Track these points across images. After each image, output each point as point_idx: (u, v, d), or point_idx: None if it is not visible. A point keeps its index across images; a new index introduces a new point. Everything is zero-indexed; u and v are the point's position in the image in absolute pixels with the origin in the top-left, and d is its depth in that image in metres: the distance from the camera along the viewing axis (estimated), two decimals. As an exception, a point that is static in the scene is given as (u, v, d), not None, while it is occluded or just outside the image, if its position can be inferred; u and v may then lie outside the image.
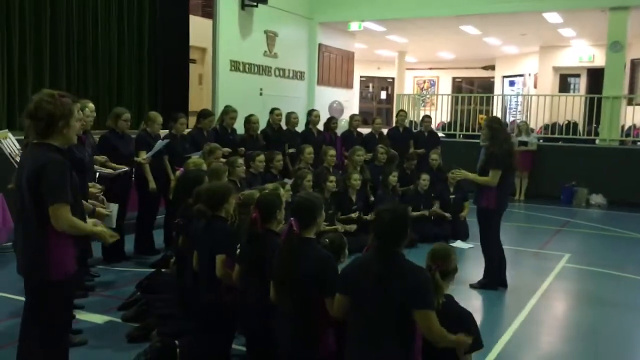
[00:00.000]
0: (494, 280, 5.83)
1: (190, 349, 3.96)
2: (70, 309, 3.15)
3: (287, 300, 3.26)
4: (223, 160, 6.23)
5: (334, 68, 15.28)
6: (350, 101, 15.86)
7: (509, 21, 13.71)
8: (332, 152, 7.80)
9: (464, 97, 18.24)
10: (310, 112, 8.94)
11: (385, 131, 9.89)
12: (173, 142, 6.84)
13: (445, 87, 22.95)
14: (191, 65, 13.58)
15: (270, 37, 13.00)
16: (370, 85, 23.48)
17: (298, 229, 3.22)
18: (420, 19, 13.75)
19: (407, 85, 21.77)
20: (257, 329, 3.69)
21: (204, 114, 7.40)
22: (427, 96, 21.82)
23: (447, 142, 12.75)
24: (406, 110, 13.61)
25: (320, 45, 14.56)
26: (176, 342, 4.03)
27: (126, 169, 6.02)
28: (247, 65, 12.34)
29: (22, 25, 8.37)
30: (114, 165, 6.00)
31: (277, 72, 13.28)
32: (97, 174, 6.01)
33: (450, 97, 17.38)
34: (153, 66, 10.82)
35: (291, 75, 13.80)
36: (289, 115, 8.73)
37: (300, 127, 9.11)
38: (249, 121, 7.99)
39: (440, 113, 16.03)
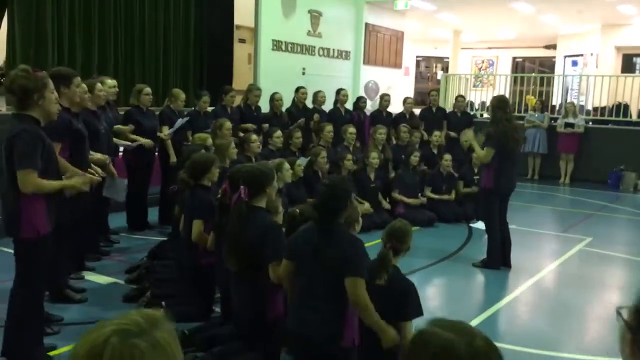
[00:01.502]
0: (496, 259, 5.82)
1: (173, 311, 4.25)
2: (45, 267, 3.48)
3: (237, 264, 3.47)
4: (233, 137, 6.47)
5: (382, 47, 15.21)
6: (398, 81, 15.75)
7: (562, -2, 13.20)
8: (352, 130, 7.89)
9: (522, 77, 17.78)
10: (338, 91, 9.02)
11: (417, 111, 9.85)
12: (196, 118, 7.15)
13: (504, 67, 22.29)
14: (241, 45, 13.99)
15: (315, 17, 13.10)
16: (424, 64, 23.15)
17: (247, 197, 3.41)
18: (468, -3, 13.47)
19: (464, 65, 21.34)
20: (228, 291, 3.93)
21: (226, 91, 7.66)
22: (484, 76, 21.34)
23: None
24: (460, 92, 13.55)
25: (367, 24, 14.51)
26: (163, 303, 4.34)
27: (143, 141, 6.35)
28: (289, 45, 12.51)
29: (72, 10, 8.89)
30: (135, 137, 6.37)
31: (321, 52, 13.38)
32: (121, 146, 6.45)
33: (507, 77, 16.94)
34: (199, 45, 11.25)
35: (336, 54, 13.87)
36: (316, 93, 8.86)
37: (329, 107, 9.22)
38: (273, 99, 8.20)
39: (498, 94, 15.63)
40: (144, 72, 10.28)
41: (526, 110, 13.10)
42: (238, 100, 8.30)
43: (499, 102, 5.79)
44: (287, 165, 5.81)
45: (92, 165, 4.66)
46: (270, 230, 3.42)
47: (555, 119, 12.20)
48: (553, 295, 5.46)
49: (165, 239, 5.98)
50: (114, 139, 6.12)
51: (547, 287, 5.60)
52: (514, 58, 22.54)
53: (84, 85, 5.01)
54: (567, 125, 11.62)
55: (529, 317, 4.82)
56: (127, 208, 6.80)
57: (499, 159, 5.64)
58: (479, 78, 21.48)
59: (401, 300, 3.23)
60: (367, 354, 3.22)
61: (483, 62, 22.84)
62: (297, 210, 3.97)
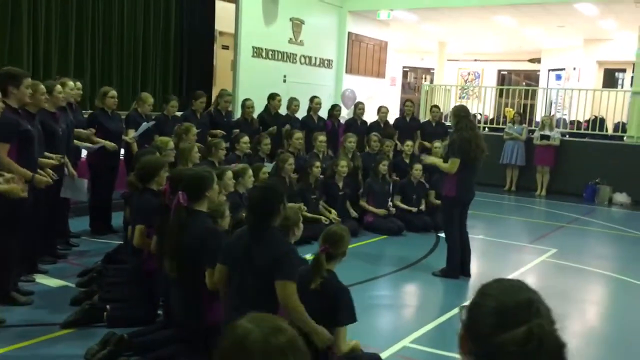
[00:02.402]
0: (455, 268, 5.81)
1: (117, 314, 4.21)
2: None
3: (176, 269, 3.45)
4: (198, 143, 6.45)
5: (365, 57, 15.27)
6: (380, 90, 15.79)
7: (542, 12, 13.30)
8: (322, 137, 7.90)
9: (507, 90, 17.88)
10: (311, 99, 9.02)
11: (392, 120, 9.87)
12: (164, 123, 7.13)
13: (490, 79, 22.42)
14: (224, 52, 13.99)
15: (296, 25, 13.14)
16: (412, 75, 23.25)
17: (185, 202, 3.39)
18: (450, 9, 13.53)
19: (450, 77, 21.45)
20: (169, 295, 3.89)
21: (196, 96, 7.65)
22: (469, 88, 21.45)
23: (491, 137, 12.56)
24: (444, 103, 13.62)
25: (350, 33, 14.58)
26: (107, 307, 4.30)
27: (105, 143, 6.31)
28: (270, 52, 12.55)
29: (48, 13, 8.83)
30: (97, 140, 6.33)
31: (302, 60, 13.42)
32: (83, 149, 6.42)
33: (492, 89, 17.03)
34: (179, 51, 11.23)
35: (318, 63, 13.91)
36: (290, 101, 8.86)
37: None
38: (244, 105, 8.20)
39: (484, 106, 15.67)
40: (121, 76, 10.25)
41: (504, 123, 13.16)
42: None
43: (461, 111, 5.80)
44: (250, 172, 5.81)
45: (42, 167, 4.59)
46: (209, 235, 3.40)
47: (534, 132, 12.26)
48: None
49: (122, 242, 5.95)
50: (75, 141, 6.09)
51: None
52: (500, 71, 22.67)
53: (42, 87, 5.00)
54: (543, 137, 11.68)
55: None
56: (91, 211, 6.76)
57: (460, 168, 5.64)
58: (465, 90, 21.62)
59: (334, 305, 3.22)
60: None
61: (469, 74, 22.96)
62: (244, 215, 3.95)
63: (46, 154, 4.94)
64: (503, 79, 22.82)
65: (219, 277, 3.23)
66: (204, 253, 3.30)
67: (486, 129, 13.79)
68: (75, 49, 9.33)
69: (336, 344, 3.11)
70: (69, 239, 6.23)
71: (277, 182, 3.62)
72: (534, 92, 15.85)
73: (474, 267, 6.04)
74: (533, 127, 12.71)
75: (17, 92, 4.28)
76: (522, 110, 13.77)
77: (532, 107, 14.89)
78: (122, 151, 6.91)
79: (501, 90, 17.87)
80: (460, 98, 21.13)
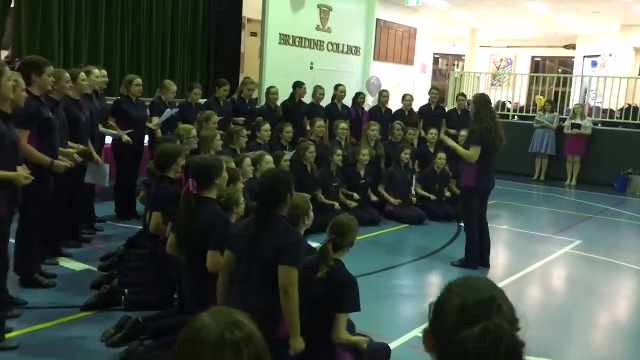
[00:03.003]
0: (474, 259, 5.77)
1: (134, 299, 4.31)
2: (1, 249, 3.56)
3: (186, 255, 3.51)
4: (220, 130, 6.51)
5: (393, 44, 15.14)
6: (409, 78, 15.66)
7: (577, -3, 12.96)
8: (344, 125, 7.88)
9: (539, 77, 17.53)
10: (336, 87, 9.00)
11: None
12: (187, 110, 7.21)
13: (524, 66, 21.98)
14: (251, 39, 14.04)
15: (324, 12, 13.08)
16: (443, 62, 22.94)
17: (195, 189, 3.44)
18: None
19: (482, 64, 21.09)
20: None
21: (219, 84, 7.71)
22: (501, 75, 21.05)
23: (521, 126, 12.41)
24: (475, 91, 13.38)
25: (378, 20, 14.46)
26: (126, 291, 4.41)
27: (130, 131, 6.43)
28: (297, 39, 12.52)
29: (79, 4, 8.99)
30: (116, 128, 6.46)
31: (330, 47, 13.37)
32: (108, 136, 6.56)
33: (524, 76, 16.70)
34: (206, 39, 11.35)
35: (345, 50, 13.83)
36: (315, 89, 8.85)
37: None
38: (269, 92, 8.24)
39: (514, 93, 15.37)
40: (150, 64, 10.40)
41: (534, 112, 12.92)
42: (256, 94, 8.37)
43: (482, 100, 5.73)
44: (268, 158, 5.82)
45: (61, 157, 4.67)
46: (217, 221, 3.45)
47: (565, 120, 12.00)
48: (523, 297, 5.39)
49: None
50: (101, 128, 6.22)
51: (520, 289, 5.52)
52: (533, 57, 22.20)
53: (66, 75, 5.12)
54: (574, 126, 11.43)
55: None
56: (116, 197, 6.91)
57: (479, 157, 5.58)
58: (498, 77, 21.23)
59: (339, 293, 3.23)
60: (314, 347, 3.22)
61: (502, 60, 22.55)
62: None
63: (70, 143, 5.05)
64: (537, 65, 22.36)
65: (226, 263, 3.28)
66: (211, 237, 3.36)
67: (516, 117, 13.55)
68: (105, 38, 9.51)
69: (335, 330, 3.13)
70: (94, 224, 6.38)
71: (286, 172, 3.64)
72: (568, 80, 15.50)
73: (494, 258, 6.00)
74: (564, 116, 12.45)
75: (40, 80, 4.39)
76: (556, 98, 13.49)
77: (564, 94, 14.56)
78: (147, 138, 7.03)
79: (533, 78, 17.54)
80: (492, 85, 20.80)
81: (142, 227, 6.31)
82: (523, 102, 15.32)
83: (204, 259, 3.40)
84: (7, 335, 3.73)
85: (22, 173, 3.55)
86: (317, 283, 3.24)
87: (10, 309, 4.03)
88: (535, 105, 13.64)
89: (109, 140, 6.72)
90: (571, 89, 15.17)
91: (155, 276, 4.35)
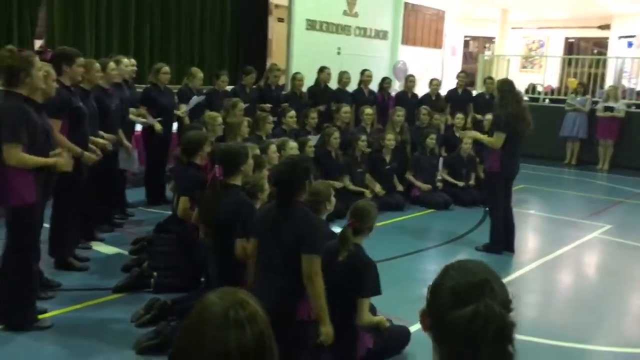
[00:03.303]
0: (498, 244, 5.76)
1: (162, 281, 4.46)
2: (33, 233, 3.72)
3: (211, 239, 3.62)
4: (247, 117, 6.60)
5: (421, 27, 15.01)
6: (437, 61, 15.50)
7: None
8: (369, 110, 7.90)
9: (571, 59, 17.16)
10: (362, 72, 9.00)
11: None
12: (214, 97, 7.33)
13: (557, 47, 21.51)
14: (279, 24, 14.07)
15: (351, -4, 13.03)
16: (474, 44, 22.61)
17: (220, 175, 3.54)
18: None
19: (514, 46, 20.72)
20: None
21: (245, 71, 7.79)
22: (534, 57, 20.65)
23: (552, 109, 12.24)
24: (504, 74, 13.17)
25: (406, 3, 14.33)
26: (154, 274, 4.55)
27: (159, 119, 6.58)
28: (324, 24, 12.51)
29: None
30: (147, 115, 6.61)
31: (357, 32, 13.32)
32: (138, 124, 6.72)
33: (557, 58, 16.37)
34: (234, 25, 11.45)
35: (373, 34, 13.76)
36: (341, 74, 8.87)
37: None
38: (294, 78, 8.29)
39: (545, 76, 15.12)
40: (179, 52, 10.56)
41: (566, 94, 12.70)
42: (282, 80, 8.44)
43: (505, 85, 5.68)
44: (292, 144, 5.90)
45: (91, 145, 4.81)
46: (242, 207, 3.54)
47: (598, 103, 11.78)
48: (549, 281, 5.38)
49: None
50: (130, 116, 6.37)
51: (545, 273, 5.51)
52: (567, 38, 21.69)
53: (96, 64, 5.26)
54: (607, 109, 11.21)
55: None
56: (146, 183, 7.08)
57: (504, 142, 5.56)
58: (529, 59, 20.85)
59: (359, 277, 3.31)
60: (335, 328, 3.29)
61: (534, 42, 22.10)
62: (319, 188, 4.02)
63: (101, 132, 5.20)
64: (571, 46, 21.86)
65: (253, 249, 3.37)
66: (237, 224, 3.45)
67: (546, 100, 13.33)
68: (135, 28, 9.70)
69: (358, 314, 3.20)
70: (126, 209, 6.56)
71: (305, 158, 3.69)
72: (602, 61, 15.15)
73: (520, 242, 5.99)
74: (597, 98, 12.21)
75: (70, 70, 4.52)
76: (590, 80, 13.22)
77: (597, 76, 14.25)
78: (175, 125, 7.17)
79: (566, 59, 17.17)
80: (523, 68, 20.43)
81: (170, 213, 6.52)
82: (555, 85, 15.05)
83: (229, 243, 3.50)
84: (42, 316, 3.90)
85: (61, 160, 3.67)
86: (337, 267, 3.32)
87: (45, 291, 4.21)
88: (567, 87, 13.37)
89: (139, 127, 6.88)
90: (605, 71, 14.85)
91: (183, 260, 4.48)
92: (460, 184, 7.85)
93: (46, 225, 4.28)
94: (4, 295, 3.70)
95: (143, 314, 3.93)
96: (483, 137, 5.82)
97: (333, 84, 8.90)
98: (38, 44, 9.02)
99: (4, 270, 3.67)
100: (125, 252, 5.31)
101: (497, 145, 5.53)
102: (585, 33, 21.17)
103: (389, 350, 3.51)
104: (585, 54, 19.77)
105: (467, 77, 9.83)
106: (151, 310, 3.93)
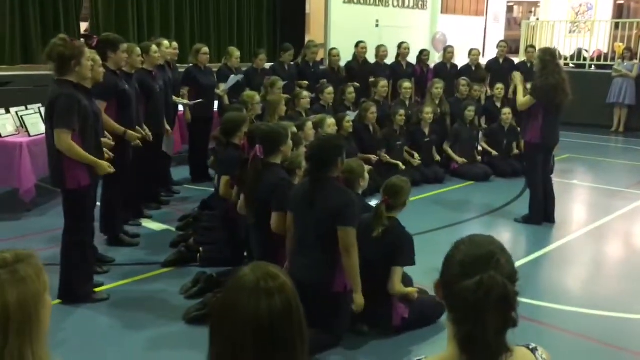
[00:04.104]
0: (538, 215, 5.77)
1: (208, 256, 4.68)
2: (88, 213, 3.97)
3: (252, 216, 3.79)
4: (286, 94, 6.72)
5: (462, -5, 14.74)
6: (479, 30, 15.22)
7: None
8: (407, 84, 7.90)
9: (620, 23, 16.56)
10: (399, 45, 8.96)
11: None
12: (253, 75, 7.47)
13: (605, 11, 20.74)
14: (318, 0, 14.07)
15: (389, -33, 12.89)
16: (518, 10, 22.02)
17: (261, 155, 3.69)
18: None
19: (557, 11, 20.09)
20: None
21: (283, 48, 7.90)
22: (579, 22, 19.97)
23: (598, 75, 11.96)
24: (548, 41, 12.83)
25: (446, -29, 14.10)
26: (200, 249, 4.78)
27: (200, 100, 6.78)
28: (362, -3, 12.45)
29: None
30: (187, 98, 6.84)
31: (395, 3, 13.19)
32: (180, 105, 6.94)
33: (606, 23, 15.81)
34: (272, 1, 11.54)
35: (411, 5, 13.61)
36: (378, 48, 8.87)
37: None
38: (330, 54, 8.34)
39: (598, 41, 14.65)
40: (218, 33, 10.77)
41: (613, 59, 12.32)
42: (321, 55, 8.50)
43: (547, 54, 5.62)
44: (329, 121, 5.98)
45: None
46: (280, 183, 3.70)
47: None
48: (588, 251, 5.37)
49: (217, 190, 6.44)
50: (174, 98, 6.58)
51: (585, 243, 5.50)
52: (616, 0, 20.89)
53: (137, 49, 5.46)
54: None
55: (552, 273, 4.81)
56: (190, 161, 7.33)
57: (543, 113, 5.53)
58: (576, 24, 20.19)
59: (394, 248, 3.43)
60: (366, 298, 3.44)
61: (580, 5, 21.36)
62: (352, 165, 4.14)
63: (137, 128, 5.38)
64: (621, 9, 21.04)
65: (289, 224, 3.53)
66: (274, 199, 3.61)
67: (592, 66, 12.97)
68: (176, 11, 9.93)
69: (391, 282, 3.34)
70: (172, 187, 6.82)
71: (337, 136, 3.82)
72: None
73: (560, 213, 5.96)
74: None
75: (115, 56, 4.74)
76: (639, 44, 12.78)
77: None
78: (216, 104, 7.36)
79: (616, 23, 16.56)
80: (570, 32, 19.81)
81: (213, 190, 6.75)
82: (605, 50, 14.56)
83: (269, 218, 3.66)
84: (98, 289, 4.18)
85: (105, 164, 3.89)
86: (372, 240, 3.45)
87: (100, 266, 4.49)
88: (614, 52, 12.96)
89: (181, 108, 7.10)
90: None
91: (226, 235, 4.69)
92: (495, 153, 7.82)
93: (98, 204, 4.53)
94: (65, 272, 3.97)
95: (191, 287, 4.16)
96: (521, 90, 5.74)
97: (371, 58, 8.91)
98: (83, 27, 9.34)
99: (64, 248, 3.93)
100: (172, 229, 5.56)
101: (522, 107, 5.56)
102: (636, -6, 20.34)
103: (424, 320, 3.63)
104: (636, 16, 19.03)
105: (507, 47, 9.61)
106: (198, 283, 4.15)
